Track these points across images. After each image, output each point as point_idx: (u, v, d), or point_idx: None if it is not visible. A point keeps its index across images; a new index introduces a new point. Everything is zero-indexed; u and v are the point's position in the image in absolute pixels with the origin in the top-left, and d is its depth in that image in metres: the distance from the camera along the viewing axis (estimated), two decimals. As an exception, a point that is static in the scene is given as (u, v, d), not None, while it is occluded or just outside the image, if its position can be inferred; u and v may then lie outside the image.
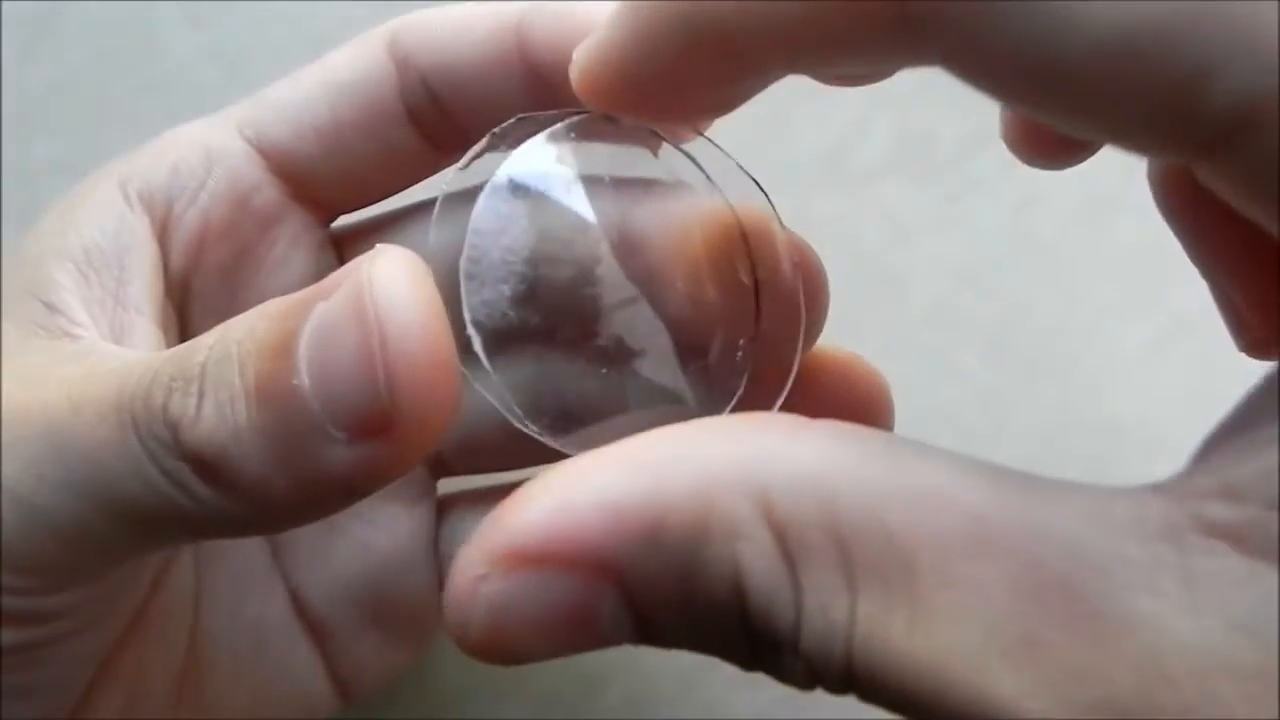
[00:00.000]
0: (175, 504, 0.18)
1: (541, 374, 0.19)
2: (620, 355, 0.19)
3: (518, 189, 0.19)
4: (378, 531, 0.26)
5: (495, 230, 0.19)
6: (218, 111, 0.24)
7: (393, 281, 0.17)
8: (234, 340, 0.18)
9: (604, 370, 0.19)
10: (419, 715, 0.30)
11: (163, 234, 0.23)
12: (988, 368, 0.32)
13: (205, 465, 0.17)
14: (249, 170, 0.23)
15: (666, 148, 0.20)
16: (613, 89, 0.18)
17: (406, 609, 0.26)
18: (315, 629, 0.26)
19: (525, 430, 0.19)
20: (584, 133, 0.19)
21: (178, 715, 0.24)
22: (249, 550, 0.26)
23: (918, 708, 0.15)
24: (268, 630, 0.25)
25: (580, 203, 0.19)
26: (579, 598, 0.16)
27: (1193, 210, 0.20)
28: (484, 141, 0.19)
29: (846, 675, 0.15)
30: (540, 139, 0.19)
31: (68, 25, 0.32)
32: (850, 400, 0.24)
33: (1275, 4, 0.13)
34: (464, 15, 0.23)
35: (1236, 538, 0.14)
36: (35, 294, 0.21)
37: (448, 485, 0.27)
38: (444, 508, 0.27)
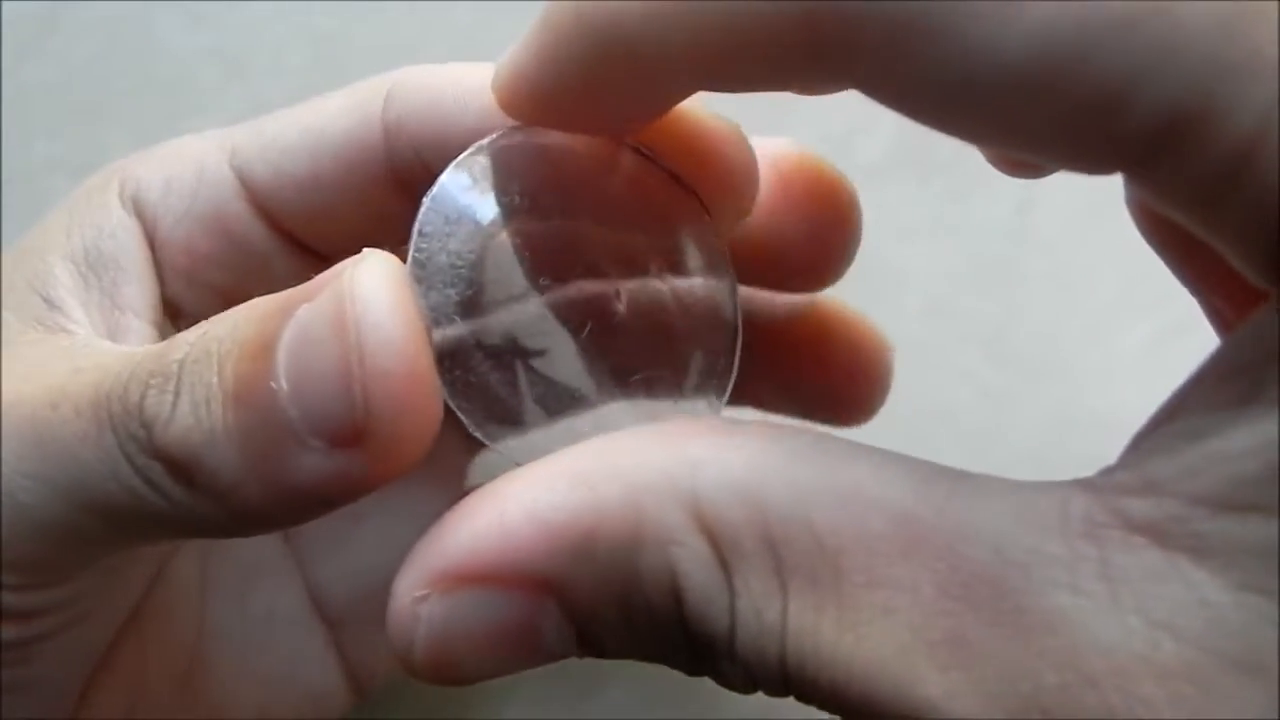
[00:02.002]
0: (149, 503, 0.18)
1: (489, 380, 0.19)
2: (561, 359, 0.19)
3: (463, 192, 0.19)
4: (403, 521, 0.25)
5: (442, 234, 0.19)
6: (219, 112, 0.23)
7: (374, 291, 0.17)
8: (214, 338, 0.18)
9: (546, 375, 0.19)
10: (419, 715, 0.30)
11: (152, 247, 0.23)
12: (988, 368, 0.32)
13: (178, 466, 0.17)
14: (235, 203, 0.22)
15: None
16: (529, 102, 0.18)
17: None
18: (331, 621, 0.26)
19: (477, 437, 0.19)
20: (523, 145, 0.19)
21: (183, 712, 0.24)
22: (259, 540, 0.25)
23: (850, 708, 0.15)
24: (278, 622, 0.25)
25: (516, 213, 0.19)
26: (519, 614, 0.16)
27: (1167, 227, 0.19)
28: (470, 149, 0.19)
29: (782, 677, 0.15)
30: (482, 145, 0.19)
31: (68, 25, 0.32)
32: (851, 360, 0.24)
33: (1201, 11, 0.13)
34: (461, 87, 0.21)
35: (1157, 533, 0.14)
36: (36, 289, 0.21)
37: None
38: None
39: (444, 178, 0.19)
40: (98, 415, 0.18)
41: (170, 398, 0.17)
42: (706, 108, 0.20)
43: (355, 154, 0.22)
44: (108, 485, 0.18)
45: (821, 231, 0.23)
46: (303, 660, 0.25)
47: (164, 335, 0.23)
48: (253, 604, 0.25)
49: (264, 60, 0.32)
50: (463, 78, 0.21)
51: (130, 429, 0.18)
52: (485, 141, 0.19)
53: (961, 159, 0.33)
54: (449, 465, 0.26)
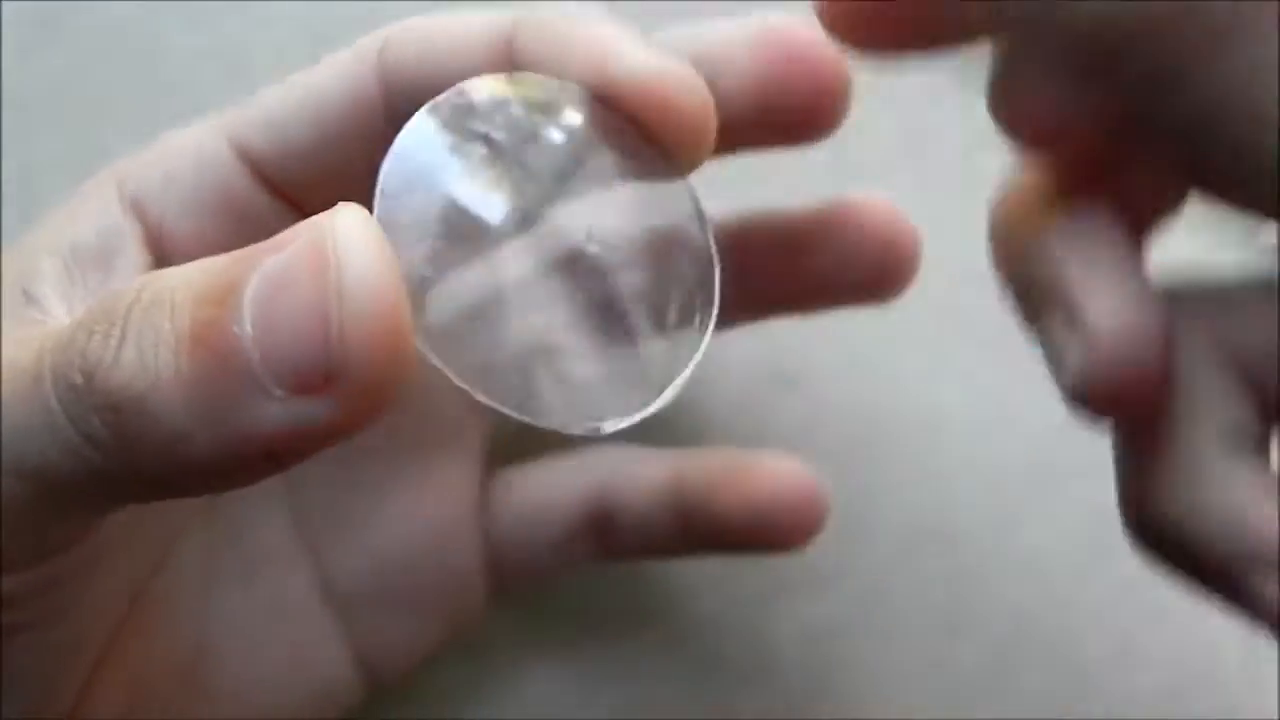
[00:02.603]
0: (86, 460, 0.17)
1: (464, 329, 0.19)
2: (535, 305, 0.19)
3: (422, 149, 0.19)
4: (421, 498, 0.25)
5: (404, 192, 0.19)
6: (217, 112, 0.23)
7: (353, 236, 0.16)
8: (168, 286, 0.17)
9: (521, 322, 0.19)
10: (419, 715, 0.30)
11: (157, 243, 0.22)
12: (988, 367, 0.32)
13: (119, 414, 0.17)
14: (243, 185, 0.22)
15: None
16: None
17: (447, 584, 0.26)
18: (342, 608, 0.25)
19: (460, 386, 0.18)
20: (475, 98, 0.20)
21: (188, 704, 0.24)
22: (268, 524, 0.25)
23: None
24: (286, 610, 0.25)
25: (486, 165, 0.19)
26: None
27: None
28: (425, 107, 0.19)
29: None
30: (437, 102, 0.19)
31: (68, 25, 0.32)
32: (878, 240, 0.25)
33: None
34: (455, 32, 0.22)
35: None
36: (20, 283, 0.21)
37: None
38: (491, 469, 0.27)
39: (400, 139, 0.19)
40: (38, 371, 0.18)
41: (115, 342, 0.17)
42: (657, 53, 0.20)
43: (355, 112, 0.22)
44: (45, 445, 0.17)
45: (797, 82, 0.23)
46: (312, 649, 0.25)
47: None
48: (260, 592, 0.25)
49: (264, 60, 0.32)
50: (451, 25, 0.21)
51: (70, 378, 0.17)
52: (440, 98, 0.19)
53: (962, 159, 0.33)
54: (465, 446, 0.26)
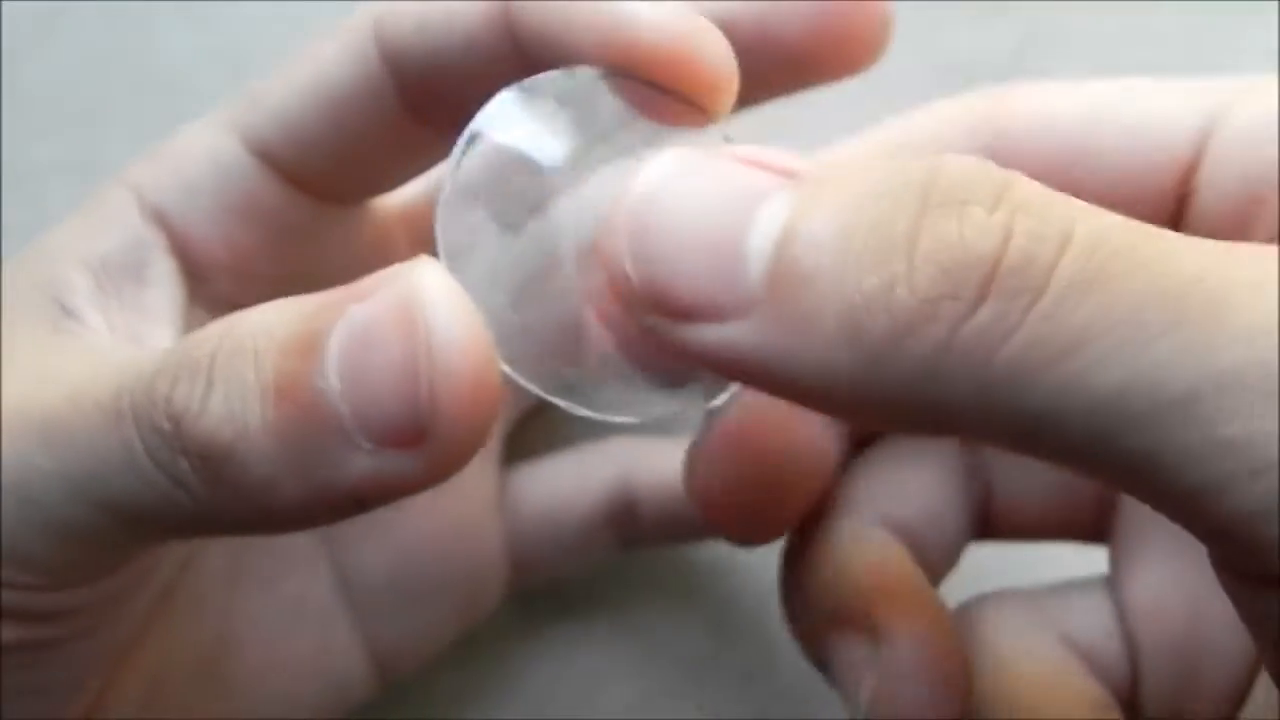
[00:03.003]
0: (170, 501, 0.18)
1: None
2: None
3: (469, 209, 0.19)
4: (440, 497, 0.25)
5: (466, 250, 0.18)
6: (221, 107, 0.23)
7: (439, 294, 0.16)
8: (248, 334, 0.17)
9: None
10: (419, 715, 0.30)
11: (185, 254, 0.22)
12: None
13: (207, 462, 0.17)
14: (261, 184, 0.22)
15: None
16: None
17: (465, 582, 0.26)
18: (360, 606, 0.26)
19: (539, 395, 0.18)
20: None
21: (203, 699, 0.24)
22: None
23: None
24: (307, 608, 0.25)
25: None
26: None
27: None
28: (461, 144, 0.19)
29: None
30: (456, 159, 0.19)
31: (68, 25, 0.32)
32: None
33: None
34: (450, 5, 0.21)
35: None
36: (51, 295, 0.21)
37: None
38: (509, 463, 0.27)
39: (440, 209, 0.18)
40: (119, 409, 0.18)
41: (201, 390, 0.17)
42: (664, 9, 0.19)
43: (365, 98, 0.21)
44: (128, 482, 0.18)
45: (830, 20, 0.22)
46: (329, 646, 0.25)
47: None
48: (283, 592, 0.25)
49: (264, 60, 0.32)
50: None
51: (155, 422, 0.17)
52: (456, 157, 0.19)
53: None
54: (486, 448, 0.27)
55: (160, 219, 0.22)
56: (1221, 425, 0.13)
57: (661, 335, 0.16)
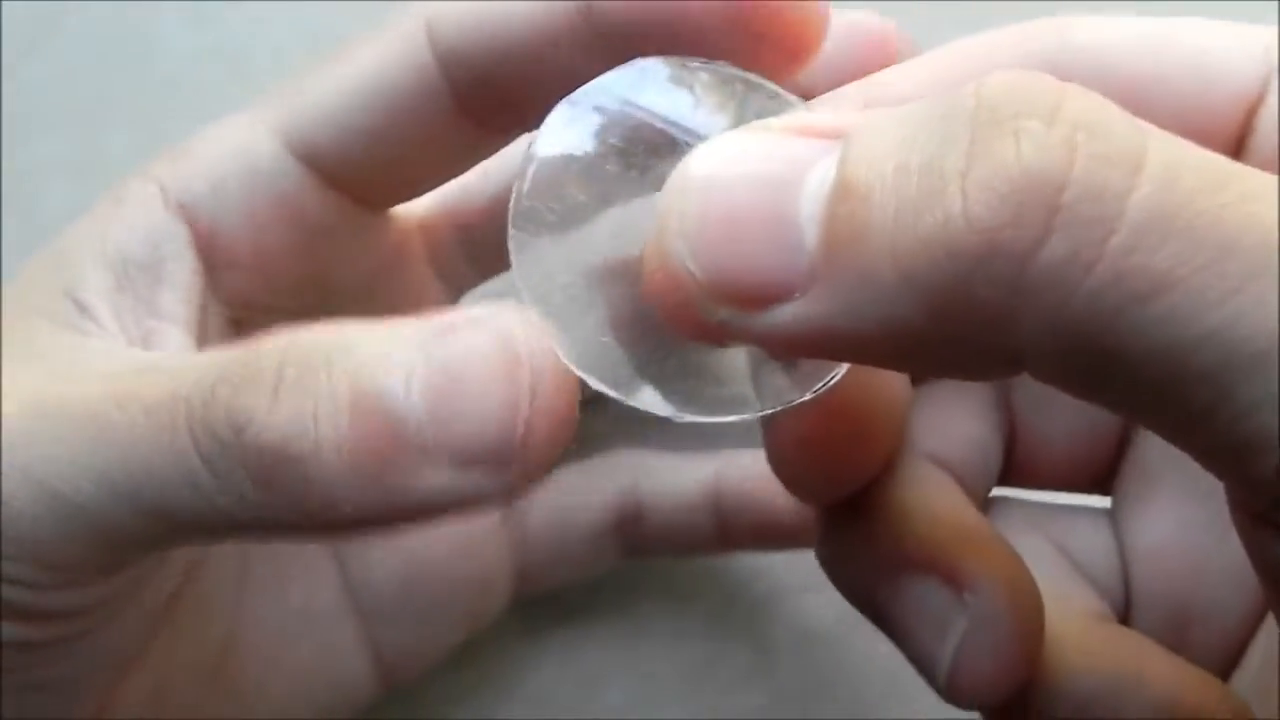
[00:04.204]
0: (220, 507, 0.18)
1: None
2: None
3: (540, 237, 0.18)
4: None
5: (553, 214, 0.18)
6: (255, 106, 0.23)
7: (534, 336, 0.17)
8: (319, 350, 0.17)
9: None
10: (419, 715, 0.30)
11: (209, 250, 0.22)
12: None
13: (270, 472, 0.17)
14: (296, 183, 0.22)
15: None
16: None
17: (471, 591, 0.26)
18: (366, 612, 0.26)
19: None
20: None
21: (209, 701, 0.24)
22: None
23: None
24: (314, 613, 0.25)
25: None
26: None
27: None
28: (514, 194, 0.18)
29: None
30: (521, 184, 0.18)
31: (68, 25, 0.32)
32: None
33: None
34: (505, 6, 0.21)
35: None
36: (68, 292, 0.21)
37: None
38: None
39: (513, 213, 0.18)
40: (172, 416, 0.18)
41: (266, 401, 0.17)
42: None
43: (420, 99, 0.21)
44: (173, 487, 0.18)
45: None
46: (334, 652, 0.26)
47: (201, 344, 0.22)
48: (291, 597, 0.25)
49: (264, 60, 0.32)
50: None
51: (214, 429, 0.17)
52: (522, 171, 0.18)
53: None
54: None
55: (186, 213, 0.22)
56: None
57: (735, 330, 0.15)
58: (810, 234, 0.15)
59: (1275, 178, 0.14)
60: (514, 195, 0.18)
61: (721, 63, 0.18)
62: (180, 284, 0.22)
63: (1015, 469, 0.23)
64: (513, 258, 0.18)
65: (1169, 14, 0.19)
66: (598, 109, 0.18)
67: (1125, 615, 0.22)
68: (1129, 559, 0.22)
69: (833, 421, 0.18)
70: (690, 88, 0.18)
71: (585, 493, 0.28)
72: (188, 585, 0.23)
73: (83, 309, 0.21)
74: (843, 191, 0.14)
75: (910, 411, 0.20)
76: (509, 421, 0.16)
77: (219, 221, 0.22)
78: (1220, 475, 0.15)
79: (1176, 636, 0.21)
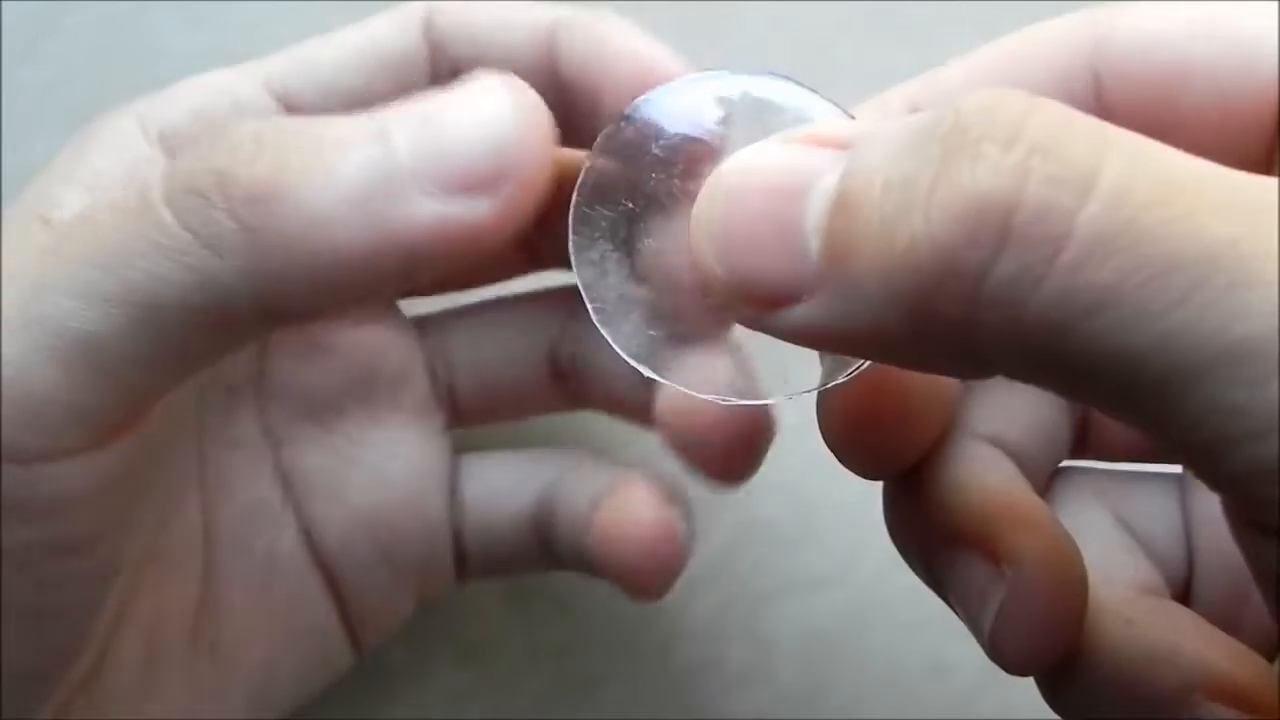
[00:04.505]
0: (201, 272, 0.18)
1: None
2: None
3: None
4: (395, 459, 0.26)
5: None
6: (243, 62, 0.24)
7: (518, 83, 0.19)
8: (294, 123, 0.18)
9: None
10: (420, 715, 0.30)
11: None
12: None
13: (255, 205, 0.17)
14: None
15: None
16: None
17: (418, 546, 0.26)
18: (326, 567, 0.26)
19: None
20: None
21: (197, 661, 0.24)
22: (258, 484, 0.25)
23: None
24: (280, 565, 0.26)
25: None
26: None
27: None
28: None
29: None
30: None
31: (67, 25, 0.32)
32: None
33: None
34: (501, 12, 0.23)
35: None
36: (37, 214, 0.21)
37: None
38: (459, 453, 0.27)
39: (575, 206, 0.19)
40: (143, 199, 0.18)
41: (250, 151, 0.18)
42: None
43: (404, 68, 0.23)
44: (163, 269, 0.18)
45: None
46: (305, 602, 0.26)
47: None
48: (256, 550, 0.25)
49: (264, 60, 0.32)
50: (496, 11, 0.23)
51: (193, 184, 0.18)
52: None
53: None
54: (428, 420, 0.27)
55: (165, 142, 0.22)
56: (1230, 391, 0.14)
57: (758, 325, 0.17)
58: (814, 243, 0.16)
59: (1235, 186, 0.15)
60: (573, 201, 0.19)
61: (763, 70, 0.19)
62: None
63: (1092, 442, 0.23)
64: (572, 260, 0.19)
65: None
66: (649, 121, 0.19)
67: (1187, 585, 0.22)
68: (1193, 527, 0.22)
69: (877, 401, 0.19)
70: (732, 100, 0.19)
71: (512, 483, 0.27)
72: (158, 544, 0.24)
73: (49, 225, 0.21)
74: (839, 205, 0.16)
75: (961, 392, 0.21)
76: (499, 141, 0.18)
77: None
78: (1191, 470, 0.15)
79: (1235, 609, 0.21)
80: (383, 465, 0.26)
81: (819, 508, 0.31)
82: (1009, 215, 0.14)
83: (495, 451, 0.28)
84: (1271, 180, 0.15)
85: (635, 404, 0.26)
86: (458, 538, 0.27)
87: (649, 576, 0.23)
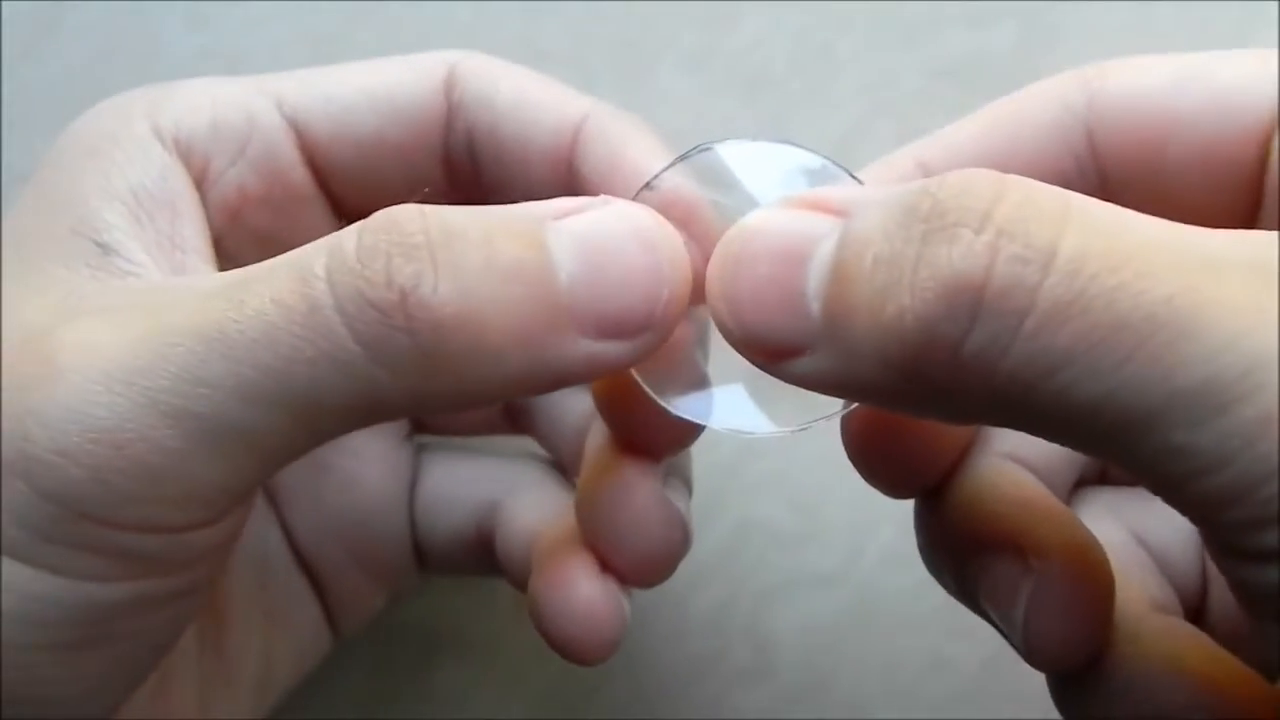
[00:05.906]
0: (363, 381, 0.18)
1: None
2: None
3: None
4: (364, 465, 0.27)
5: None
6: (254, 76, 0.24)
7: (655, 216, 0.19)
8: (458, 225, 0.18)
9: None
10: (420, 715, 0.30)
11: (199, 184, 0.23)
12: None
13: (439, 331, 0.18)
14: (287, 149, 0.23)
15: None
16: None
17: (384, 547, 0.27)
18: (307, 566, 0.27)
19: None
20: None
21: (204, 659, 0.25)
22: None
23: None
24: (270, 564, 0.26)
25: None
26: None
27: None
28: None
29: None
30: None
31: (68, 25, 0.32)
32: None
33: None
34: (527, 87, 0.23)
35: None
36: (86, 235, 0.21)
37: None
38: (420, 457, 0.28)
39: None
40: (310, 295, 0.18)
41: (428, 268, 0.18)
42: None
43: (422, 122, 0.23)
44: (316, 369, 0.18)
45: None
46: (295, 599, 0.27)
47: None
48: (248, 548, 0.26)
49: (264, 60, 0.32)
50: (527, 81, 0.23)
51: (372, 297, 0.18)
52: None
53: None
54: (393, 426, 0.28)
55: (182, 148, 0.22)
56: (1174, 434, 0.15)
57: (766, 371, 0.18)
58: (815, 307, 0.18)
59: (1180, 247, 0.16)
60: None
61: (794, 144, 0.21)
62: (195, 217, 0.22)
63: (1112, 476, 0.25)
64: None
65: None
66: (702, 169, 0.21)
67: (1201, 602, 0.23)
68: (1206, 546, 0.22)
69: (898, 420, 0.21)
70: (771, 166, 0.21)
71: (462, 489, 0.27)
72: None
73: (107, 251, 0.21)
74: (836, 275, 0.17)
75: None
76: (653, 294, 0.19)
77: (213, 159, 0.23)
78: (1171, 506, 0.17)
79: (1245, 628, 0.22)
80: (353, 471, 0.27)
81: (819, 507, 0.31)
82: (980, 292, 0.16)
83: (453, 454, 0.28)
84: (1219, 235, 0.16)
85: (568, 454, 0.27)
86: (415, 532, 0.28)
87: (585, 650, 0.23)
